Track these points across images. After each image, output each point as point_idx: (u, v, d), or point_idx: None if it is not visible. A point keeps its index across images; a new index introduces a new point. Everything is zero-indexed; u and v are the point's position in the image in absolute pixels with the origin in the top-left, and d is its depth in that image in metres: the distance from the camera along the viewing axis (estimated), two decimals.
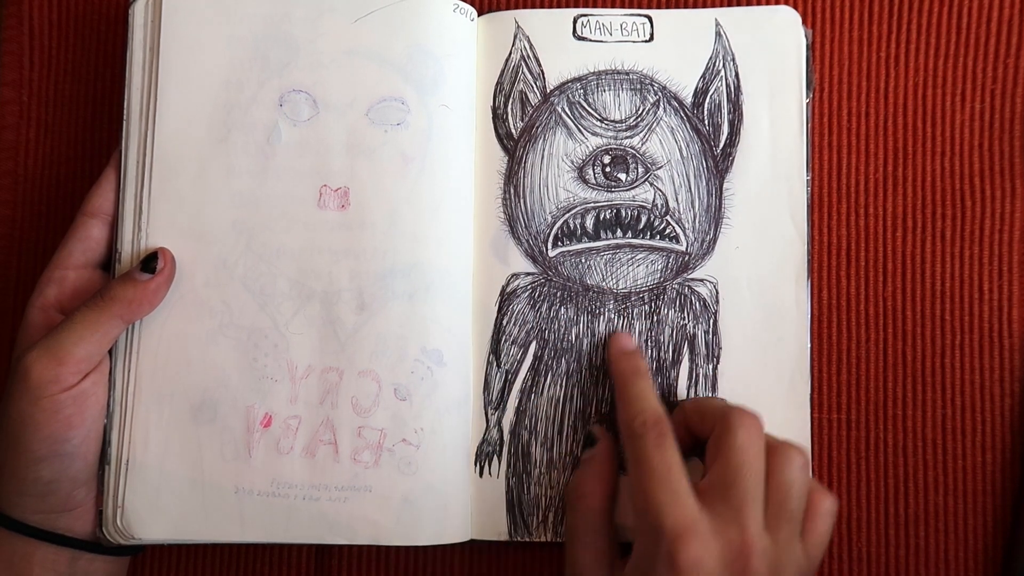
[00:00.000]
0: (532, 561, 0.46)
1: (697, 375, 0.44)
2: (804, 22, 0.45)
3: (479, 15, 0.46)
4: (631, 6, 0.47)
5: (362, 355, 0.42)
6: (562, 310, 0.44)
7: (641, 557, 0.36)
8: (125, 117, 0.43)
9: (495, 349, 0.44)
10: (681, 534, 0.34)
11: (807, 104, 0.45)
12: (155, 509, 0.41)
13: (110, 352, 0.41)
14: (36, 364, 0.38)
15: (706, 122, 0.45)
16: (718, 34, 0.45)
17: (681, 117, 0.45)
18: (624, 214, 0.44)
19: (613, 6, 0.47)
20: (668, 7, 0.47)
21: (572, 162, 0.45)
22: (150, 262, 0.41)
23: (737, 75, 0.45)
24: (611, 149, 0.45)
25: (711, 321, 0.44)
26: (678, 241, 0.44)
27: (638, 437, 0.38)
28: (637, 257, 0.44)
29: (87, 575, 0.41)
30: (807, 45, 0.45)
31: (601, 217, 0.44)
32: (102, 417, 0.41)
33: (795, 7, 0.45)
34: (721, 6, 0.47)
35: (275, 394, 0.42)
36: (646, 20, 0.45)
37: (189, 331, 0.42)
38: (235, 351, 0.42)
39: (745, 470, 0.36)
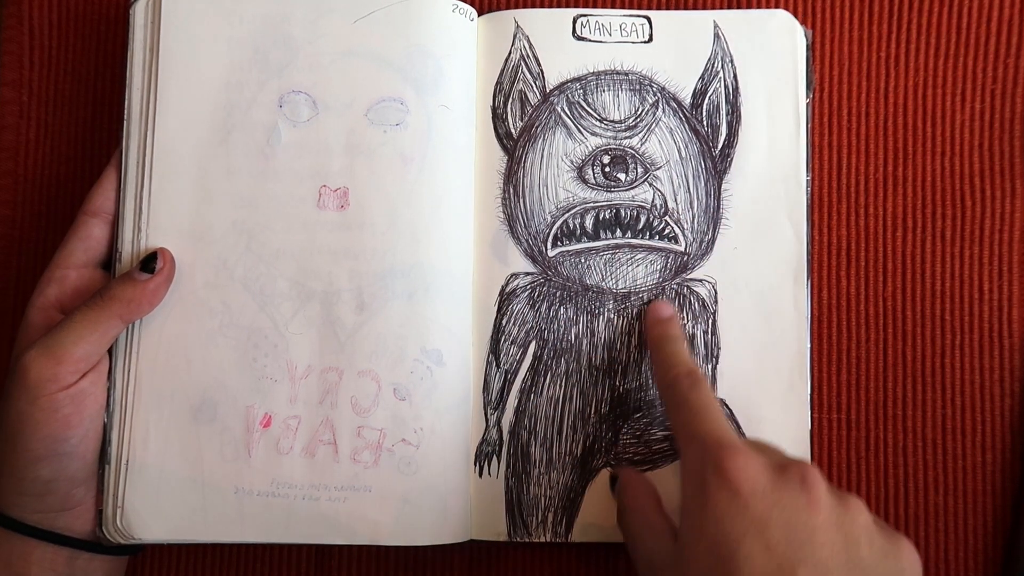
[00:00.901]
0: (531, 561, 0.46)
1: None
2: (804, 22, 0.45)
3: (479, 15, 0.46)
4: (631, 6, 0.47)
5: (362, 355, 0.42)
6: (561, 310, 0.44)
7: (690, 479, 0.36)
8: (125, 117, 0.43)
9: (495, 349, 0.44)
10: (726, 446, 0.35)
11: (807, 104, 0.45)
12: (155, 509, 0.41)
13: (109, 352, 0.41)
14: (34, 363, 0.38)
15: (704, 123, 0.45)
16: (716, 36, 0.45)
17: (680, 118, 0.45)
18: (623, 214, 0.44)
19: (613, 6, 0.47)
20: (667, 8, 0.47)
21: (572, 162, 0.45)
22: (149, 262, 0.41)
23: (735, 77, 0.45)
24: (610, 149, 0.45)
25: (710, 321, 0.44)
26: (677, 241, 0.44)
27: (673, 386, 0.39)
28: (636, 257, 0.44)
29: (86, 574, 0.41)
30: (807, 45, 0.45)
31: (600, 217, 0.44)
32: (101, 417, 0.41)
33: (795, 7, 0.45)
34: (720, 8, 0.47)
35: (275, 394, 0.42)
36: (645, 21, 0.45)
37: (189, 331, 0.42)
38: (235, 351, 0.42)
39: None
